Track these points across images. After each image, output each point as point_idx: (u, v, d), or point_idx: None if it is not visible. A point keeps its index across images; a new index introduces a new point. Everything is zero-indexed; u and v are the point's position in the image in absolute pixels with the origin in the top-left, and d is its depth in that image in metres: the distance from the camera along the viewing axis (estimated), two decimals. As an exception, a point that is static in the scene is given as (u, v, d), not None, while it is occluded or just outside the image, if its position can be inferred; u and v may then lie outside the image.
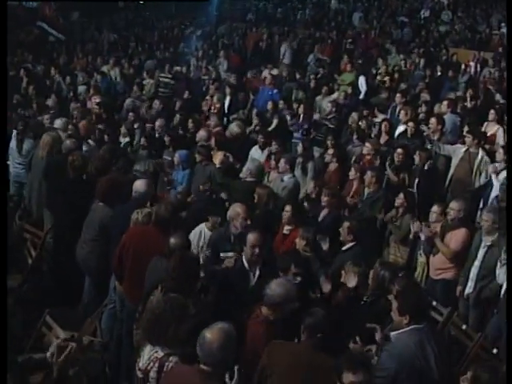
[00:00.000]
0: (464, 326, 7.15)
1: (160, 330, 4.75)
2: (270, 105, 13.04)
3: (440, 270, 7.94)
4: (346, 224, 7.39)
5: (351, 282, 6.14)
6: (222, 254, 6.75)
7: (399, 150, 9.59)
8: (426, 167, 9.37)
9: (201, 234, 7.51)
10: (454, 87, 15.70)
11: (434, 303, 7.57)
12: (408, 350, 4.92)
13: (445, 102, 11.97)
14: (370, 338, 5.31)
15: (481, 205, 9.07)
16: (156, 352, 4.75)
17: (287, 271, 6.03)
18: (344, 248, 7.39)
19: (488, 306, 7.53)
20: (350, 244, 7.36)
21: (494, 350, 6.68)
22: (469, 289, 7.66)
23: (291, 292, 5.36)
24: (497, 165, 9.28)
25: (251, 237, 6.26)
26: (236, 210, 7.02)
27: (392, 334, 5.11)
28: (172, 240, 6.16)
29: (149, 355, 4.78)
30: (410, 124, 10.85)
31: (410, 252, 8.55)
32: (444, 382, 5.11)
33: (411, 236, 8.36)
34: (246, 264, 6.27)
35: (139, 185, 7.57)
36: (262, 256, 6.25)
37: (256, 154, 10.84)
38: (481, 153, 9.65)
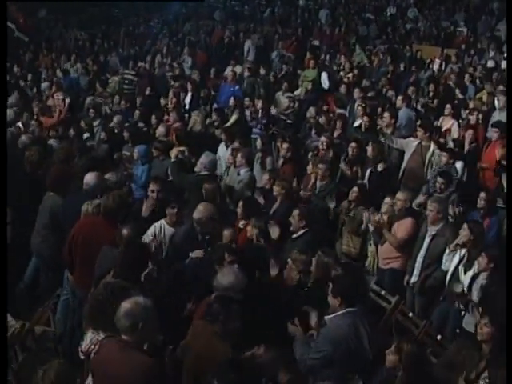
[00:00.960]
0: (410, 314, 7.36)
1: (100, 313, 4.89)
2: (232, 101, 13.16)
3: (388, 260, 8.11)
4: (296, 212, 7.50)
5: (297, 268, 6.29)
6: (191, 254, 6.74)
7: (353, 144, 9.75)
8: (379, 168, 9.52)
9: (161, 228, 7.55)
10: (414, 83, 15.89)
11: (383, 292, 7.77)
12: (341, 332, 5.11)
13: (400, 97, 12.17)
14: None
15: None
16: (98, 334, 4.90)
17: (222, 261, 6.11)
18: (295, 236, 7.50)
19: (433, 294, 7.68)
20: (302, 231, 7.48)
21: (439, 337, 6.89)
22: (414, 277, 7.82)
23: (240, 279, 5.50)
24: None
25: (227, 233, 6.54)
26: (201, 209, 7.06)
27: (327, 317, 5.28)
28: (124, 230, 6.29)
29: (91, 338, 4.95)
30: (365, 118, 11.02)
31: (363, 242, 8.72)
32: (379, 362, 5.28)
33: (363, 227, 8.54)
34: None
35: (90, 177, 7.68)
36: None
37: (222, 150, 10.94)
38: (432, 146, 9.82)
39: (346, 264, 6.80)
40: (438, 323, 7.27)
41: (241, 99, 13.32)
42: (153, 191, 8.05)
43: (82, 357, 4.97)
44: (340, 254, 8.68)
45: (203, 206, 7.08)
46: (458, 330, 6.94)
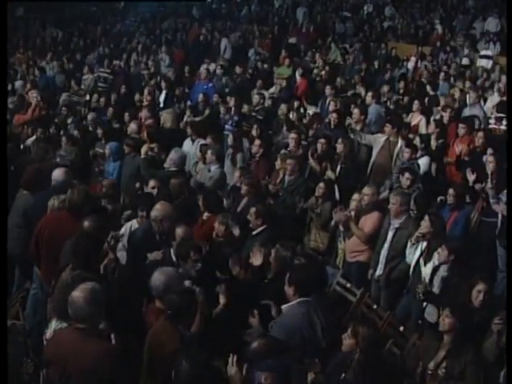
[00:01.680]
0: (375, 306, 7.47)
1: (62, 303, 4.97)
2: (200, 97, 13.31)
3: (355, 253, 8.22)
4: (253, 209, 7.59)
5: (257, 260, 6.41)
6: (149, 255, 6.70)
7: (321, 140, 9.85)
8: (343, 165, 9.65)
9: (131, 228, 7.67)
10: (388, 81, 16.04)
11: (349, 285, 7.89)
12: (295, 321, 5.25)
13: (369, 93, 12.30)
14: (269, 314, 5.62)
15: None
16: (61, 323, 5.03)
17: (187, 259, 6.18)
18: (254, 232, 7.58)
19: (398, 286, 7.77)
20: (260, 228, 7.55)
21: (401, 328, 7.01)
22: (379, 270, 7.92)
23: (173, 278, 5.57)
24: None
25: (179, 230, 6.51)
26: (158, 208, 7.08)
27: (283, 306, 5.41)
28: (85, 223, 6.36)
29: (54, 326, 5.11)
30: (333, 115, 11.15)
31: (331, 238, 8.83)
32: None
33: (332, 223, 8.65)
34: (174, 258, 6.42)
35: (57, 174, 7.76)
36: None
37: (187, 145, 11.04)
38: (400, 141, 9.96)
39: (306, 255, 6.92)
40: (402, 315, 7.38)
41: (211, 96, 13.42)
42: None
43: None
44: (308, 249, 8.83)
45: (160, 205, 7.11)
46: (420, 321, 7.06)
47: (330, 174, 9.48)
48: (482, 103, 12.93)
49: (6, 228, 6.36)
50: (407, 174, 8.58)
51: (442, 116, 11.54)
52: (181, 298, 5.13)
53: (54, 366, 4.53)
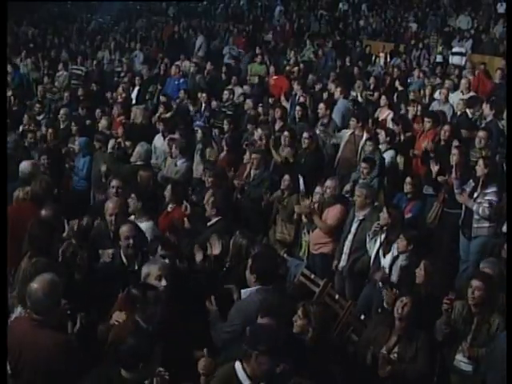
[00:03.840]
0: (337, 296, 7.59)
1: (24, 291, 4.99)
2: (181, 93, 13.45)
3: (319, 245, 8.36)
4: (210, 199, 7.59)
5: (216, 249, 6.49)
6: (100, 252, 6.65)
7: (285, 133, 9.99)
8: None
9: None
10: (359, 77, 16.18)
11: (313, 276, 8.01)
12: (253, 306, 5.29)
13: (338, 89, 12.44)
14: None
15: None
16: (25, 311, 5.00)
17: (155, 253, 6.21)
18: (209, 223, 7.58)
19: (361, 277, 7.90)
20: (215, 219, 7.56)
21: (362, 317, 7.16)
22: (343, 262, 8.07)
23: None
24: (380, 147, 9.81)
25: (124, 228, 6.34)
26: (109, 205, 7.09)
27: (243, 291, 5.52)
28: (42, 211, 6.45)
29: (19, 312, 5.13)
30: (297, 108, 11.36)
31: (296, 230, 8.96)
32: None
33: (295, 215, 8.78)
34: (124, 259, 6.28)
35: (24, 166, 7.83)
36: (138, 248, 6.32)
37: (159, 141, 11.11)
38: (365, 135, 10.12)
39: (264, 246, 7.04)
40: (363, 304, 7.52)
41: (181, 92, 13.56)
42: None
43: None
44: (274, 241, 8.96)
45: (110, 202, 7.19)
46: (379, 310, 7.19)
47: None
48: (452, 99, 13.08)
49: (5, 227, 6.35)
50: (364, 164, 8.83)
51: (407, 110, 11.72)
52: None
53: (9, 354, 4.56)
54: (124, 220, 6.75)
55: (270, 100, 13.04)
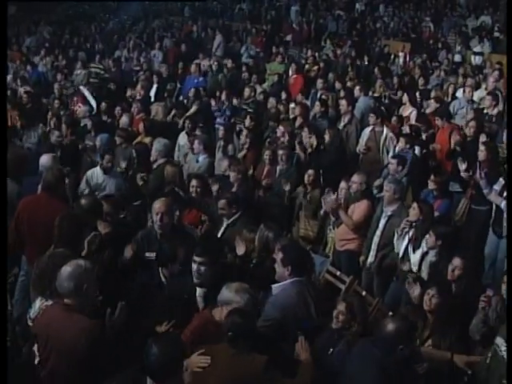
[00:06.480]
0: (364, 293, 7.47)
1: (45, 281, 4.98)
2: (192, 92, 13.36)
3: (344, 241, 8.21)
4: (222, 202, 7.41)
5: (240, 250, 6.41)
6: (147, 254, 6.45)
7: (306, 129, 9.91)
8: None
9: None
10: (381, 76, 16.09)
11: (338, 273, 7.87)
12: (290, 300, 5.25)
13: (357, 87, 12.40)
14: None
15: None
16: (46, 301, 4.98)
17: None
18: (229, 221, 7.42)
19: (390, 273, 7.75)
20: (236, 216, 7.40)
21: (390, 313, 7.02)
22: (371, 258, 7.93)
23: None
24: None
25: (155, 204, 6.41)
26: (156, 206, 6.70)
27: (274, 286, 5.41)
28: (81, 200, 6.47)
29: (39, 305, 5.06)
30: (316, 103, 11.39)
31: (320, 226, 8.83)
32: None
33: (321, 212, 8.65)
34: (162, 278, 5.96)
35: (45, 160, 7.75)
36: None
37: (183, 139, 11.02)
38: (385, 131, 10.05)
39: (289, 239, 6.92)
40: (391, 301, 7.39)
41: (200, 90, 13.49)
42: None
43: (31, 323, 5.04)
44: (297, 237, 8.83)
45: (157, 202, 6.91)
46: (408, 306, 7.06)
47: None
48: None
49: (5, 227, 6.30)
50: (393, 160, 8.78)
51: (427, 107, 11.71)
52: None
53: (38, 341, 4.51)
54: (170, 220, 6.61)
55: (289, 98, 12.91)
